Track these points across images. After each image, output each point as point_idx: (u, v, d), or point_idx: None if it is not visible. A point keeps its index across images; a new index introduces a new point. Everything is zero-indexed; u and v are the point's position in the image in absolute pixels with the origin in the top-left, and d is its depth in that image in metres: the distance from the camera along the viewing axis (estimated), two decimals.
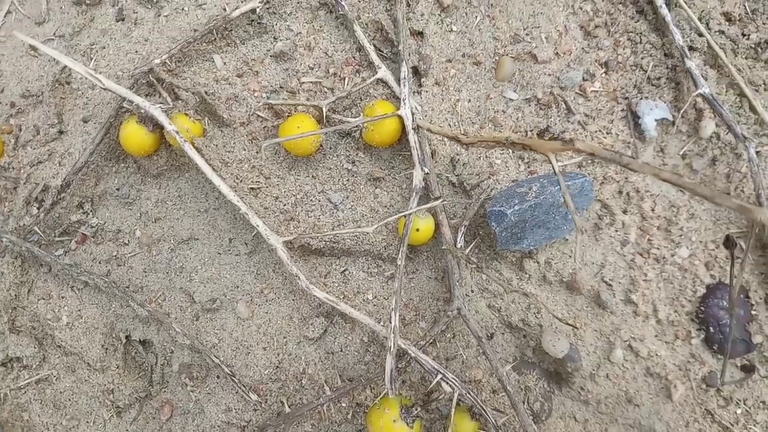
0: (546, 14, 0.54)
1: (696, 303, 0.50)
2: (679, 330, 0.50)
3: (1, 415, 0.57)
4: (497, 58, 0.54)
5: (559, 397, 0.51)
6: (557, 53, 0.53)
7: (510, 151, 0.52)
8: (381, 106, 0.51)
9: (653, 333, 0.50)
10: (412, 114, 0.51)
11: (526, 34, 0.54)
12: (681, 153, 0.52)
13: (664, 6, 0.51)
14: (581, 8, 0.54)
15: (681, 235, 0.51)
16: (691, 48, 0.52)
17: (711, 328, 0.49)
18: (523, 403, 0.51)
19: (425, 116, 0.54)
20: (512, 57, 0.53)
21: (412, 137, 0.50)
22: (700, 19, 0.53)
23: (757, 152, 0.50)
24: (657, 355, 0.50)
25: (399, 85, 0.52)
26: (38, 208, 0.58)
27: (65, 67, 0.60)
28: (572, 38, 0.54)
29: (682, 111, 0.51)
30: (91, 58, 0.59)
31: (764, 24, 0.53)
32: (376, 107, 0.51)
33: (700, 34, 0.52)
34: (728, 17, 0.53)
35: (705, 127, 0.51)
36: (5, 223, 0.58)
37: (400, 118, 0.51)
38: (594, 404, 0.50)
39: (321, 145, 0.54)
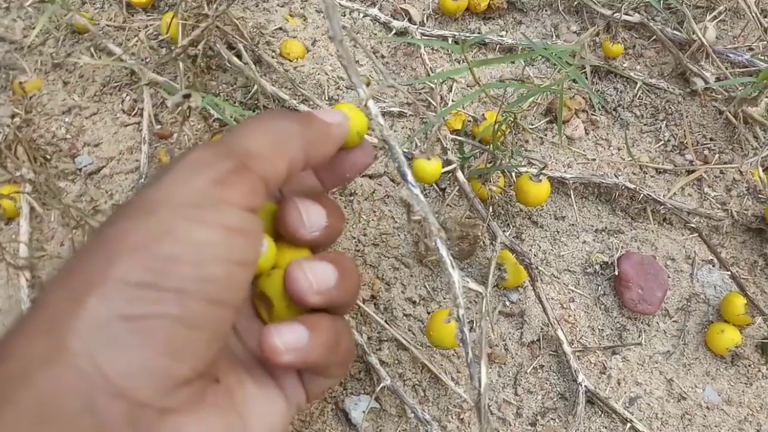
0: None
1: None
2: None
3: None
4: None
5: None
6: None
7: None
8: None
9: None
10: None
11: None
12: None
13: None
14: None
15: None
16: (380, 340, 0.59)
17: None
18: None
19: None
20: None
21: None
22: (384, 310, 0.60)
23: (444, 427, 0.55)
24: None
25: None
26: None
27: None
28: None
29: (373, 396, 0.56)
30: None
31: (444, 299, 0.62)
32: None
33: (384, 328, 0.59)
34: (412, 301, 0.61)
35: (408, 411, 0.57)
36: None
37: None
38: None
39: None
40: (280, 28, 0.72)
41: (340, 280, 0.27)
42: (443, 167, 0.58)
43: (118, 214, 0.22)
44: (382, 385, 0.55)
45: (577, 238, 0.65)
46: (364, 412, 0.56)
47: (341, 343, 0.27)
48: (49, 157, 0.66)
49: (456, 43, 0.71)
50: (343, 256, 0.28)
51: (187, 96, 0.49)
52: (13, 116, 0.67)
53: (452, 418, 0.57)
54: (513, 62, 0.72)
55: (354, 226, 0.63)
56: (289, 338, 0.24)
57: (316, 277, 0.26)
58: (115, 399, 0.19)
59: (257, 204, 0.24)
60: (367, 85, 0.68)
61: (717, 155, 0.68)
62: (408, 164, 0.41)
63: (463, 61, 0.67)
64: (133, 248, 0.20)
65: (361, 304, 0.59)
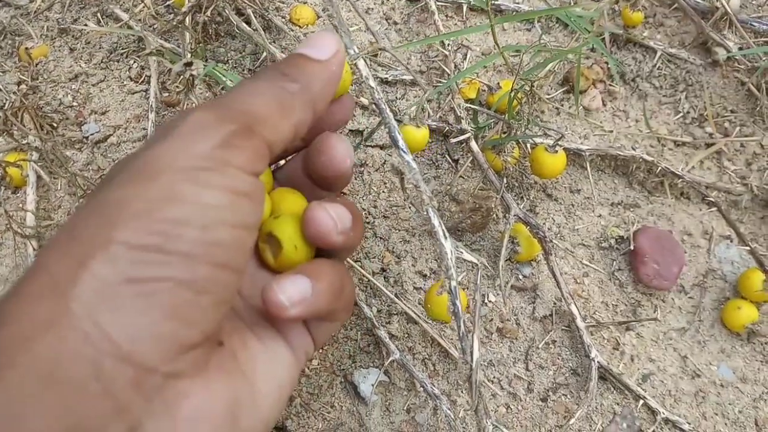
0: None
1: None
2: None
3: None
4: None
5: None
6: None
7: None
8: None
9: None
10: None
11: None
12: (405, 408, 0.56)
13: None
14: None
15: None
16: (390, 313, 0.58)
17: None
18: None
19: None
20: None
21: None
22: (395, 283, 0.60)
23: (453, 401, 0.55)
24: None
25: None
26: None
27: None
28: None
29: (382, 370, 0.56)
30: None
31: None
32: None
33: (393, 301, 0.58)
34: (423, 274, 0.60)
35: (417, 384, 0.56)
36: None
37: None
38: None
39: None
40: None
41: (353, 222, 0.27)
42: (456, 137, 0.56)
43: (117, 177, 0.22)
44: (391, 358, 0.54)
45: (593, 211, 0.63)
46: (372, 385, 0.56)
47: (345, 288, 0.27)
48: (55, 124, 0.65)
49: (472, 9, 0.69)
50: (348, 200, 0.28)
51: (188, 64, 0.48)
52: (19, 83, 0.66)
53: (462, 392, 0.56)
54: (529, 30, 0.70)
55: (364, 198, 0.61)
56: (293, 292, 0.24)
57: (339, 216, 0.26)
58: (122, 363, 0.18)
59: (261, 168, 0.23)
60: (376, 55, 0.66)
61: (738, 128, 0.66)
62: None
63: (479, 25, 0.65)
64: (136, 214, 0.20)
65: (370, 277, 0.58)
